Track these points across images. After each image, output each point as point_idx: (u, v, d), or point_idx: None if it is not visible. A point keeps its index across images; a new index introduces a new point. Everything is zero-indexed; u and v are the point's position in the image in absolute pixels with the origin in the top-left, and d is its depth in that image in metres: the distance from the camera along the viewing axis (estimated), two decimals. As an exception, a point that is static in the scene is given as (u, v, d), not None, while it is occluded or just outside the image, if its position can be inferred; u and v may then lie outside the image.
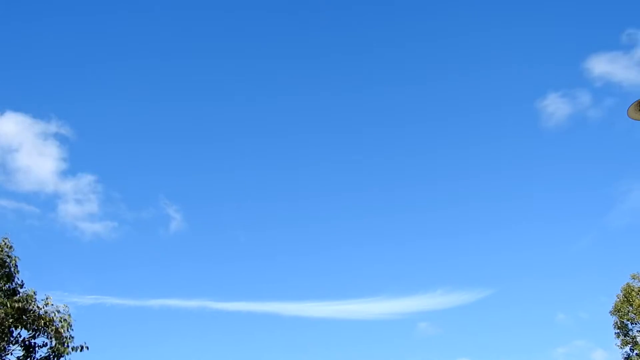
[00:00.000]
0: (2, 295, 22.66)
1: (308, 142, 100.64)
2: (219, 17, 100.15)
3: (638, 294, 39.71)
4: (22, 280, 23.54)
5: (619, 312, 40.43)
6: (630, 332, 40.41)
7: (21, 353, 23.36)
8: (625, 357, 40.67)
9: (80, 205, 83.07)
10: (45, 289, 28.01)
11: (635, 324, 40.14)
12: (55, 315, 23.25)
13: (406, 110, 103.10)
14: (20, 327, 23.07)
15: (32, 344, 23.41)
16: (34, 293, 23.27)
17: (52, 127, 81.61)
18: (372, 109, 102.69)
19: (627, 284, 40.71)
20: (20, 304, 22.55)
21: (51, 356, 23.38)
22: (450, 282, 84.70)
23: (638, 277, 40.70)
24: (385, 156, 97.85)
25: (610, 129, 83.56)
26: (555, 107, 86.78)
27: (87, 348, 23.64)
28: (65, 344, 23.13)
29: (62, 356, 23.40)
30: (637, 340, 40.07)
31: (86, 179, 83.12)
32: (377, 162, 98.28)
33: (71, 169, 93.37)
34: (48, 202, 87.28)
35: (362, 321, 76.71)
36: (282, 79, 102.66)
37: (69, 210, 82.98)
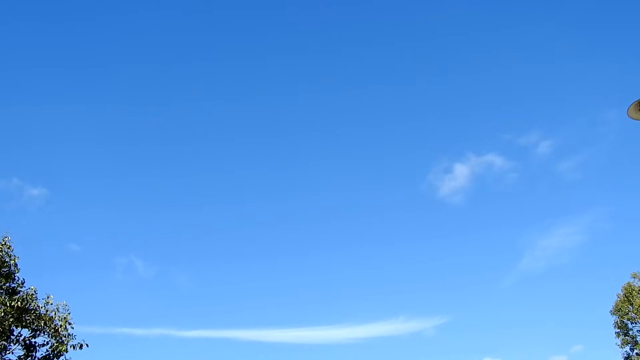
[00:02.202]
0: (3, 294, 22.66)
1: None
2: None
3: (639, 293, 39.67)
4: (22, 279, 23.56)
5: (619, 311, 40.35)
6: (631, 332, 40.37)
7: (22, 352, 23.36)
8: (625, 357, 40.64)
9: None
10: (45, 288, 28.08)
11: (636, 323, 40.08)
12: (55, 314, 23.24)
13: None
14: (20, 326, 23.06)
15: (33, 343, 23.40)
16: (35, 292, 23.26)
17: None
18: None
19: (628, 283, 40.62)
20: (20, 303, 22.52)
21: (51, 355, 23.37)
22: (411, 310, 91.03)
23: (638, 276, 40.66)
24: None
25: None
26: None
27: (87, 345, 23.67)
28: (65, 342, 23.14)
29: (62, 354, 23.40)
30: (637, 339, 40.02)
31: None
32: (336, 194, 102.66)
33: None
34: None
35: (325, 346, 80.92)
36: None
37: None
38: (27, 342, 23.35)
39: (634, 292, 39.89)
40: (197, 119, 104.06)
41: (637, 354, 39.67)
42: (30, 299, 22.99)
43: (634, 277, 40.86)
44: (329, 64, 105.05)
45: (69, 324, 23.41)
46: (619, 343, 40.69)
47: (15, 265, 23.20)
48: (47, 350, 23.44)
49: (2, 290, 22.88)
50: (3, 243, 22.97)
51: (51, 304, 23.41)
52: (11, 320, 22.52)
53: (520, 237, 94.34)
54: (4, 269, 22.80)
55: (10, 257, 23.04)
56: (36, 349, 23.47)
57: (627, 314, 39.81)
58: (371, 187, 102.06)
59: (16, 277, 23.31)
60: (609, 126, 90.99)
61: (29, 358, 23.37)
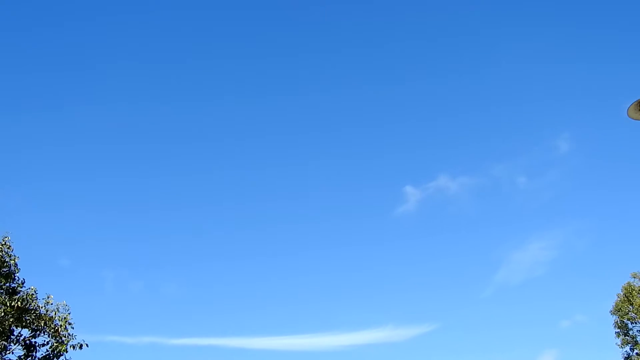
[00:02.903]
0: (3, 294, 22.68)
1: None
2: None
3: (639, 293, 39.69)
4: (22, 279, 23.60)
5: (619, 311, 40.36)
6: (631, 332, 40.39)
7: (22, 352, 23.40)
8: (625, 357, 40.66)
9: None
10: (45, 287, 28.17)
11: (636, 323, 40.10)
12: (55, 314, 23.28)
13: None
14: (20, 326, 23.09)
15: (33, 343, 23.44)
16: (35, 292, 23.29)
17: None
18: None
19: (628, 283, 40.64)
20: (20, 303, 22.55)
21: (51, 355, 23.40)
22: (400, 318, 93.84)
23: (639, 276, 40.68)
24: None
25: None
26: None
27: (87, 345, 23.71)
28: (65, 342, 23.18)
29: (62, 354, 23.43)
30: (637, 339, 40.05)
31: None
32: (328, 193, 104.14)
33: None
34: None
35: (314, 353, 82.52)
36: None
37: None
38: (27, 342, 23.39)
39: (634, 292, 39.92)
40: (183, 120, 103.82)
41: (637, 353, 39.68)
42: (31, 299, 23.03)
43: (634, 277, 40.89)
44: (326, 64, 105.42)
45: (69, 324, 23.47)
46: (619, 343, 40.70)
47: (16, 265, 23.26)
48: (47, 350, 23.48)
49: (2, 290, 22.91)
50: (3, 243, 23.01)
51: (51, 304, 23.48)
52: (11, 320, 22.55)
53: (494, 251, 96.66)
54: (4, 269, 22.85)
55: (10, 257, 23.08)
56: (36, 349, 23.51)
57: (627, 313, 39.83)
58: (357, 191, 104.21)
59: (16, 277, 23.36)
60: (578, 143, 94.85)
61: (29, 358, 23.40)
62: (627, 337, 40.44)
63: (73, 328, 23.59)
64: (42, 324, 23.12)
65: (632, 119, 13.31)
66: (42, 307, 23.29)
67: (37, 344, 23.52)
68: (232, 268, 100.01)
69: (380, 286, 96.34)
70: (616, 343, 40.68)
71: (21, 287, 23.42)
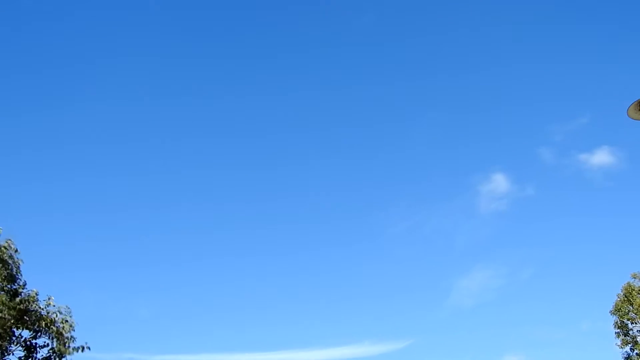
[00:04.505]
0: (5, 295, 22.74)
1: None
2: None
3: (639, 293, 39.72)
4: (24, 281, 23.70)
5: (619, 311, 40.38)
6: (631, 332, 40.42)
7: (22, 353, 23.53)
8: (625, 357, 40.71)
9: None
10: (47, 290, 28.21)
11: (636, 323, 40.14)
12: (56, 316, 23.43)
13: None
14: (21, 327, 23.22)
15: (34, 344, 23.56)
16: (36, 294, 23.46)
17: None
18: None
19: (628, 283, 40.63)
20: (22, 305, 22.70)
21: (52, 356, 23.55)
22: (376, 334, 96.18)
23: (638, 276, 40.71)
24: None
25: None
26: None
27: (89, 348, 23.85)
28: (67, 345, 23.31)
29: (64, 356, 23.57)
30: (638, 340, 40.09)
31: None
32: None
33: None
34: None
35: None
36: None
37: None
38: (28, 343, 23.51)
39: (634, 292, 39.94)
40: (156, 117, 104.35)
41: (637, 354, 39.73)
42: (32, 300, 23.14)
43: (634, 277, 40.92)
44: (316, 63, 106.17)
45: (71, 326, 23.58)
46: (619, 343, 40.74)
47: (18, 268, 23.35)
48: (48, 352, 23.62)
49: (3, 292, 22.97)
50: (7, 246, 23.06)
51: (52, 305, 23.62)
52: (12, 321, 22.66)
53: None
54: (6, 271, 22.92)
55: (13, 260, 23.17)
56: (37, 350, 23.65)
57: (627, 314, 39.86)
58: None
59: (18, 279, 23.43)
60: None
61: (30, 359, 23.52)
62: (627, 338, 40.45)
63: (74, 330, 23.73)
64: (43, 325, 23.25)
65: (632, 119, 13.29)
66: (42, 309, 23.41)
67: (37, 345, 23.65)
68: (205, 286, 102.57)
69: (357, 302, 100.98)
70: (616, 343, 40.74)
71: (22, 289, 23.49)
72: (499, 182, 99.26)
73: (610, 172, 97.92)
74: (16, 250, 23.25)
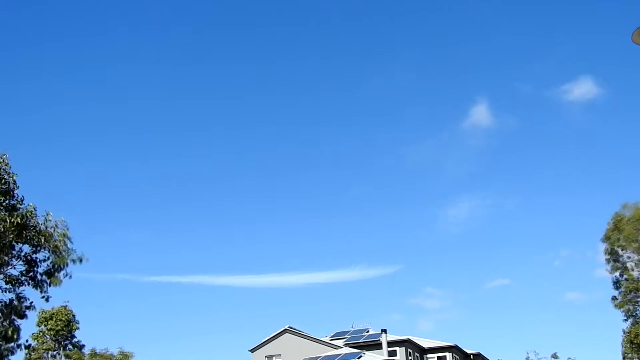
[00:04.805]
0: (3, 210, 22.84)
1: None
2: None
3: (628, 223, 40.37)
4: (22, 197, 23.61)
5: (609, 239, 41.14)
6: (621, 259, 41.23)
7: (23, 267, 23.86)
8: (614, 282, 41.61)
9: None
10: (44, 205, 28.63)
11: (625, 250, 40.91)
12: (54, 230, 23.59)
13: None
14: (21, 242, 23.44)
15: (34, 258, 23.85)
16: (34, 209, 23.31)
17: None
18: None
19: (617, 212, 41.32)
20: (20, 220, 22.74)
21: (52, 269, 23.90)
22: (368, 259, 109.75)
23: (629, 206, 41.31)
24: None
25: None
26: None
27: (87, 260, 24.24)
28: (65, 257, 23.65)
29: (62, 269, 23.94)
30: (627, 266, 40.92)
31: None
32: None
33: None
34: None
35: (292, 289, 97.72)
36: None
37: None
38: (28, 257, 23.81)
39: (623, 221, 40.60)
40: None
41: (625, 279, 40.61)
42: (30, 215, 23.18)
43: (624, 208, 41.54)
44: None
45: (68, 239, 23.83)
46: (609, 269, 41.63)
47: (14, 182, 23.21)
48: (48, 265, 23.95)
49: (1, 207, 23.08)
50: (1, 161, 22.93)
51: (50, 220, 23.58)
52: (12, 236, 22.88)
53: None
54: (3, 186, 22.93)
55: (8, 174, 23.03)
56: (37, 264, 23.95)
57: (617, 241, 40.58)
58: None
59: (15, 194, 23.40)
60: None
61: (31, 273, 23.89)
62: (616, 264, 41.31)
63: (72, 243, 23.97)
64: (42, 240, 23.40)
65: (637, 44, 13.38)
66: (41, 224, 23.50)
67: (38, 260, 23.96)
68: (195, 211, 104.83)
69: (349, 227, 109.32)
70: (606, 269, 41.63)
71: (20, 204, 23.43)
72: (482, 114, 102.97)
73: (593, 103, 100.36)
74: (8, 165, 22.85)
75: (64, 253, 23.56)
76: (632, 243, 39.69)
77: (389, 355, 43.24)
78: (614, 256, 41.11)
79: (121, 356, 48.62)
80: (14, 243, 23.37)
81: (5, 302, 23.51)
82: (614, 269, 41.30)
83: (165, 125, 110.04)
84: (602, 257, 41.37)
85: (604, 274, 41.96)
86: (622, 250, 40.70)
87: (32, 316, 26.78)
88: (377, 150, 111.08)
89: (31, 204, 23.36)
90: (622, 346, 40.50)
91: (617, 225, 40.53)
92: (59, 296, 58.26)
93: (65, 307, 51.24)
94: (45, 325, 50.25)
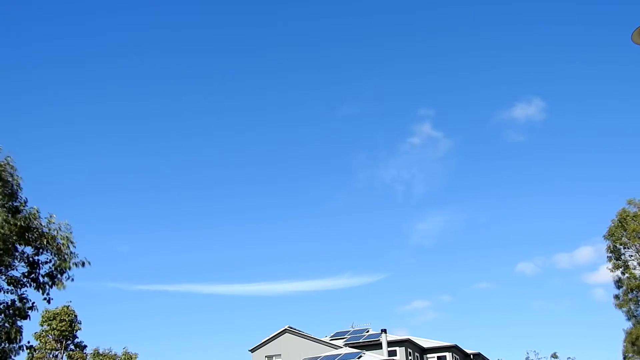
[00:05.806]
0: (6, 212, 22.94)
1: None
2: None
3: (633, 219, 40.26)
4: (25, 199, 23.74)
5: (612, 236, 41.03)
6: (623, 257, 41.13)
7: (26, 269, 23.93)
8: (615, 280, 41.53)
9: None
10: (48, 207, 28.67)
11: (628, 248, 40.81)
12: (57, 232, 23.67)
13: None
14: (23, 244, 23.52)
15: (36, 260, 23.93)
16: (37, 211, 23.46)
17: None
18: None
19: (623, 209, 41.18)
20: (23, 222, 22.89)
21: (54, 272, 23.96)
22: (353, 268, 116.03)
23: (634, 202, 41.20)
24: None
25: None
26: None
27: (89, 263, 24.27)
28: (67, 260, 23.68)
29: (65, 271, 23.98)
30: (629, 264, 40.83)
31: None
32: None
33: None
34: None
35: (280, 297, 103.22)
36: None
37: None
38: (31, 259, 23.87)
39: (628, 217, 40.47)
40: None
41: (627, 277, 40.50)
42: (33, 217, 23.30)
43: (629, 204, 41.43)
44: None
45: (71, 242, 23.88)
46: (610, 267, 41.53)
47: (19, 185, 23.34)
48: (50, 268, 23.99)
49: (5, 209, 23.15)
50: (6, 163, 23.07)
51: (53, 223, 23.69)
52: (14, 238, 22.96)
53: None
54: (7, 189, 23.03)
55: (13, 177, 23.18)
56: (39, 266, 24.00)
57: (620, 238, 40.47)
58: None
59: (19, 196, 23.50)
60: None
61: (33, 274, 23.94)
62: (618, 262, 41.23)
63: (75, 247, 24.03)
64: (45, 242, 23.51)
65: (637, 43, 13.44)
66: (44, 226, 23.61)
67: (40, 262, 24.02)
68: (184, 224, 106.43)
69: (332, 239, 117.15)
70: (607, 267, 41.52)
71: (24, 207, 23.57)
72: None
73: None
74: (14, 167, 23.04)
75: (66, 256, 23.56)
76: (637, 239, 39.51)
77: (389, 355, 43.29)
78: (616, 254, 41.03)
79: (125, 357, 48.64)
80: (16, 245, 23.42)
81: (8, 303, 23.57)
82: (616, 267, 41.23)
83: (153, 126, 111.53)
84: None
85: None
86: (625, 248, 40.63)
87: (34, 317, 26.82)
88: (357, 166, 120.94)
89: (34, 206, 23.51)
90: (623, 346, 40.47)
91: (621, 221, 40.40)
92: (60, 298, 58.38)
93: (68, 307, 51.29)
94: (48, 325, 50.28)
